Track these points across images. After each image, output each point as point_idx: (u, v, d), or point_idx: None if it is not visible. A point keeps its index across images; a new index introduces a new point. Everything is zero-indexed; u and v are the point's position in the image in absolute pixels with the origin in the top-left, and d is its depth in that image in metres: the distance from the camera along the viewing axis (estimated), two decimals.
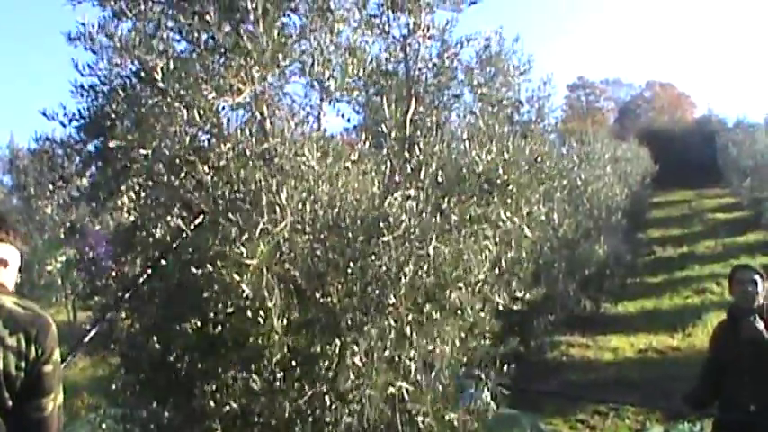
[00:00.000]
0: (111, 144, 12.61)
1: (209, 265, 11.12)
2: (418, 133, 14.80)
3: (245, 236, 11.13)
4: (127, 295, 12.32)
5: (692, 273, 40.94)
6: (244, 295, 10.93)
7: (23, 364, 6.59)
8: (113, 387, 13.36)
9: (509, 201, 15.55)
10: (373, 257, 12.19)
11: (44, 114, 15.28)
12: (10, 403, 6.54)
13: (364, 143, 14.12)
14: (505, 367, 13.34)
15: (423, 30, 14.97)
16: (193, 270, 11.36)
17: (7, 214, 7.24)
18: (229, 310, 11.43)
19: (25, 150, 40.73)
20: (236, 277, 10.81)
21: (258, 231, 11.17)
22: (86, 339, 10.89)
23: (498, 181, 14.88)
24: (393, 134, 14.06)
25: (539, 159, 17.59)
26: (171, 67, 12.10)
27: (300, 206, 12.00)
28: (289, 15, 13.69)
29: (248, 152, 12.17)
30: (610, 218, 36.63)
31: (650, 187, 58.28)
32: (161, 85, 12.00)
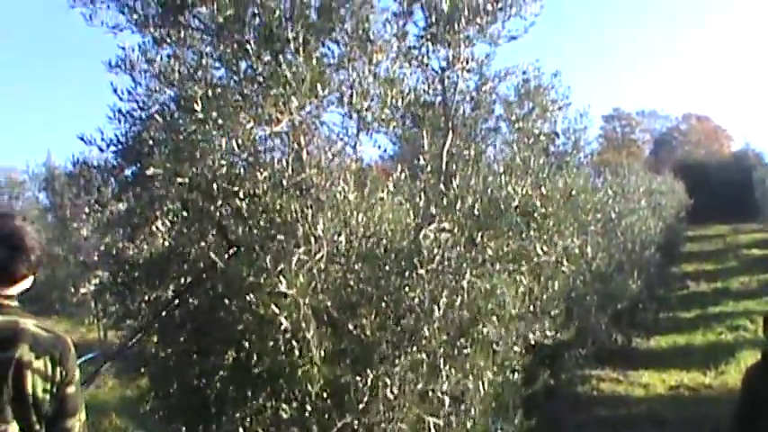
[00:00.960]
0: (149, 172, 12.63)
1: (244, 296, 11.12)
2: (454, 166, 14.78)
3: (281, 266, 11.11)
4: (158, 321, 12.36)
5: (726, 309, 40.46)
6: (282, 328, 10.91)
7: (50, 387, 6.65)
8: (142, 410, 13.40)
9: (545, 235, 15.52)
10: (407, 290, 12.15)
11: (82, 139, 15.42)
12: (38, 427, 6.57)
13: (400, 174, 14.10)
14: (535, 403, 13.24)
15: (461, 63, 14.98)
16: (227, 301, 11.37)
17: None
18: (268, 343, 11.40)
19: (62, 168, 41.18)
20: (274, 309, 10.79)
21: (295, 262, 11.15)
22: (114, 360, 10.92)
23: (535, 214, 14.86)
24: (429, 166, 14.06)
25: (573, 193, 17.59)
26: (210, 95, 12.15)
27: (336, 237, 11.98)
28: (328, 45, 13.78)
29: (285, 182, 12.17)
30: (644, 252, 36.31)
31: (685, 221, 57.86)
32: (199, 113, 12.04)
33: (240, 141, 11.89)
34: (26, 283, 6.99)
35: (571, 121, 22.48)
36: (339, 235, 11.75)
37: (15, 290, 6.81)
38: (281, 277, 10.73)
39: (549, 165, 18.38)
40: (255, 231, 12.26)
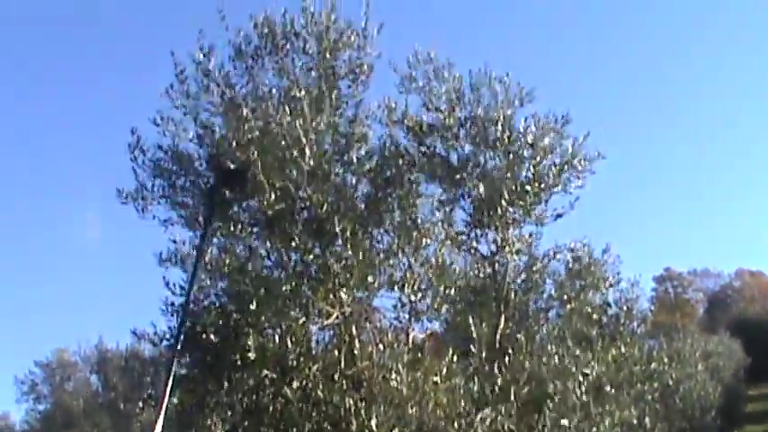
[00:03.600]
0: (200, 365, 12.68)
1: None
2: (509, 349, 14.66)
3: None
4: None
5: None
6: None
7: None
8: None
9: (602, 409, 15.26)
10: None
11: (134, 333, 15.63)
12: None
13: (452, 358, 13.97)
14: None
15: (509, 245, 15.07)
16: None
17: None
18: None
19: (113, 350, 41.65)
20: None
21: None
22: None
23: (589, 390, 14.66)
24: (483, 352, 13.96)
25: (628, 362, 17.33)
26: (262, 291, 12.29)
27: (389, 431, 11.81)
28: (377, 235, 13.95)
29: (337, 375, 12.12)
30: (704, 417, 35.30)
31: (744, 381, 56.38)
32: (252, 308, 12.14)
33: (292, 336, 11.88)
34: None
35: (623, 291, 22.24)
36: (393, 429, 11.56)
37: None
38: None
39: (602, 337, 18.18)
40: (307, 424, 12.11)
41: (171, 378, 13.41)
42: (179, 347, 13.57)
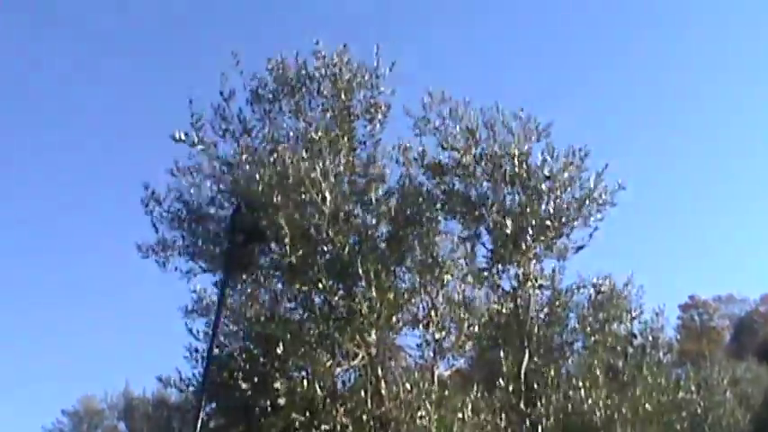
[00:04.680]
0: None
1: None
2: (533, 385, 14.64)
3: None
4: None
5: None
6: None
7: None
8: None
9: None
10: None
11: (160, 380, 15.65)
12: None
13: (478, 396, 13.94)
14: None
15: (532, 280, 15.08)
16: None
17: None
18: None
19: (139, 396, 41.58)
20: None
21: None
22: None
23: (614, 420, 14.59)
24: (509, 388, 13.94)
25: (655, 392, 17.23)
26: (288, 335, 12.33)
27: None
28: (400, 273, 13.99)
29: (365, 416, 12.13)
30: None
31: None
32: (279, 352, 12.18)
33: (320, 379, 11.91)
34: None
35: (647, 321, 22.12)
36: None
37: None
38: None
39: (629, 368, 18.08)
40: None
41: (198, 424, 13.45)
42: (205, 394, 13.63)
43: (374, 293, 12.64)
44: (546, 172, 15.32)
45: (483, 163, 15.50)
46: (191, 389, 14.26)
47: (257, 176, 13.38)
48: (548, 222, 15.04)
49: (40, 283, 72.16)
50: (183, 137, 14.18)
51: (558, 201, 15.20)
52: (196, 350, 14.26)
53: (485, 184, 15.51)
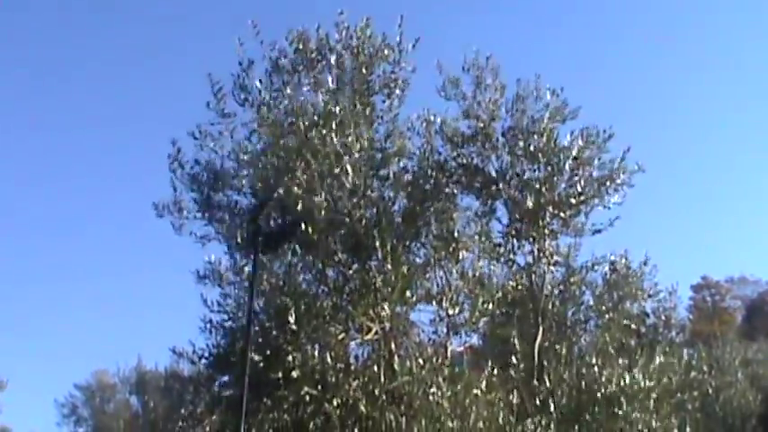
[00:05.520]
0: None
1: None
2: (546, 361, 14.59)
3: None
4: None
5: None
6: None
7: None
8: None
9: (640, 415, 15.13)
10: None
11: (174, 351, 15.62)
12: None
13: (491, 372, 13.90)
14: None
15: (547, 257, 14.99)
16: None
17: None
18: None
19: (152, 371, 41.55)
20: None
21: None
22: None
23: (630, 399, 14.57)
24: (521, 364, 13.91)
25: (667, 372, 17.20)
26: (302, 308, 12.28)
27: None
28: (415, 248, 13.92)
29: (377, 390, 12.10)
30: (744, 425, 34.77)
31: None
32: (292, 325, 12.13)
33: (332, 353, 11.88)
34: None
35: (661, 300, 22.05)
36: None
37: None
38: None
39: (641, 346, 18.04)
40: None
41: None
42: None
43: (389, 267, 12.59)
44: (573, 152, 15.15)
45: (508, 135, 15.40)
46: (203, 361, 14.25)
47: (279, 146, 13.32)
48: (569, 199, 14.92)
49: (52, 258, 72.20)
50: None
51: (578, 179, 15.06)
52: (210, 321, 14.24)
53: (505, 157, 15.43)
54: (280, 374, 12.53)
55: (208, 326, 14.11)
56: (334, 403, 12.43)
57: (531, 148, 15.11)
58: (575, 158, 14.95)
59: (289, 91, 14.27)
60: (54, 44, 78.32)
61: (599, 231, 15.50)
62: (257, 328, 13.38)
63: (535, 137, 15.24)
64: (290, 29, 14.63)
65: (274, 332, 12.79)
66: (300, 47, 14.44)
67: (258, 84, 14.33)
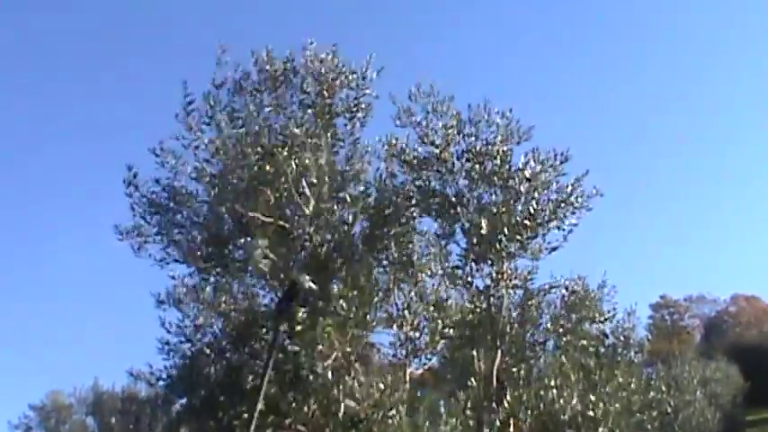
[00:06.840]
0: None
1: None
2: (505, 384, 14.65)
3: None
4: None
5: None
6: None
7: None
8: None
9: None
10: None
11: (131, 374, 15.60)
12: None
13: (449, 396, 13.98)
14: None
15: (505, 279, 15.05)
16: None
17: None
18: None
19: (109, 391, 41.08)
20: None
21: None
22: None
23: (589, 421, 14.64)
24: (481, 387, 13.96)
25: (626, 392, 17.32)
26: (262, 330, 12.29)
27: None
28: (376, 272, 13.93)
29: (339, 415, 12.11)
30: None
31: (743, 406, 56.12)
32: (251, 347, 12.14)
33: (290, 374, 11.88)
34: None
35: (619, 321, 22.19)
36: None
37: None
38: None
39: (600, 367, 18.16)
40: None
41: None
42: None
43: (352, 293, 12.61)
44: (527, 174, 15.21)
45: (463, 159, 15.45)
46: (161, 383, 14.22)
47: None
48: (525, 222, 14.98)
49: (8, 277, 71.32)
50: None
51: (535, 202, 15.13)
52: (167, 343, 14.23)
53: (461, 181, 15.47)
54: (236, 398, 12.52)
55: (166, 347, 14.12)
56: (295, 428, 12.41)
57: (487, 171, 15.16)
58: (528, 180, 15.00)
59: (252, 108, 14.32)
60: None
61: (555, 249, 15.55)
62: (216, 350, 13.40)
63: (490, 160, 15.27)
64: (253, 51, 14.69)
65: (235, 355, 12.80)
66: (268, 67, 14.48)
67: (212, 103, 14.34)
